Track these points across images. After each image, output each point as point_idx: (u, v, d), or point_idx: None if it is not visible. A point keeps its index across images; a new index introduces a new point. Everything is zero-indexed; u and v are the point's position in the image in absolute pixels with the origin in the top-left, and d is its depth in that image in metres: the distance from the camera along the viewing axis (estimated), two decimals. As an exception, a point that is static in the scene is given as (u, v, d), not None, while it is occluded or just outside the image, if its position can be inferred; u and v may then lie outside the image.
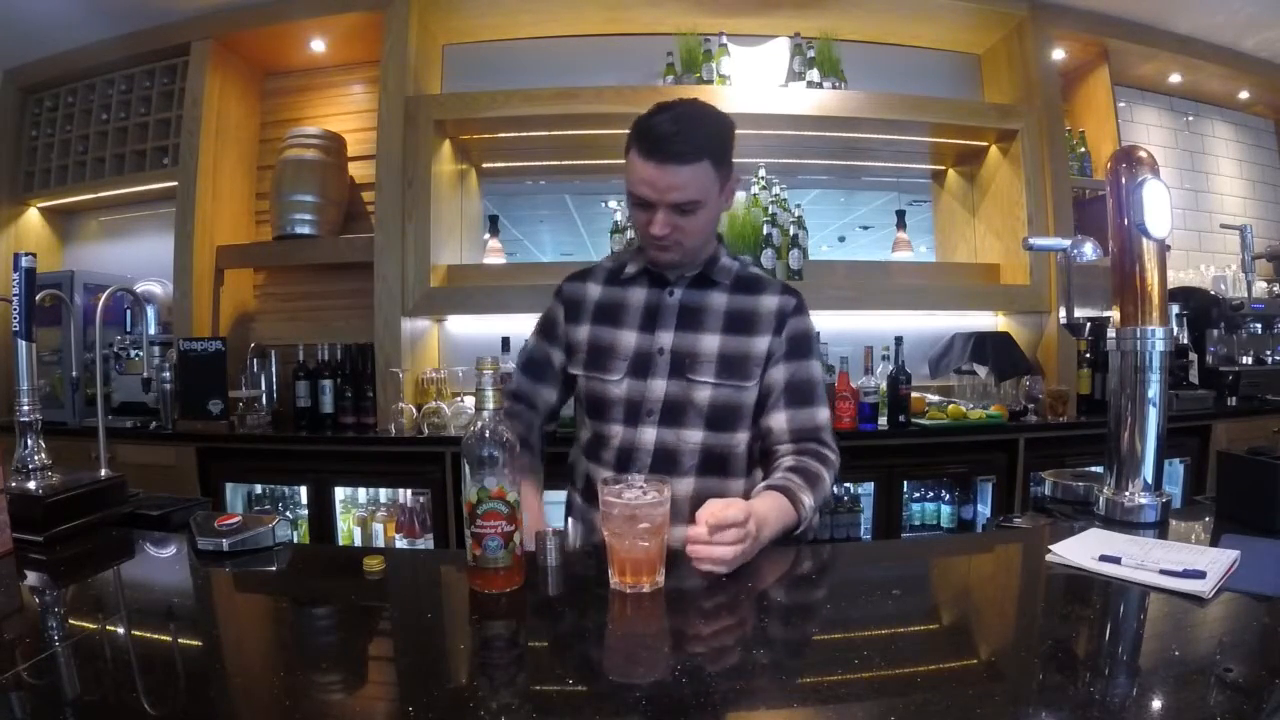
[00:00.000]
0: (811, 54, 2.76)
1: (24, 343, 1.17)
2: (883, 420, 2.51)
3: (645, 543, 0.88)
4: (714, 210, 1.18)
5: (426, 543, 2.43)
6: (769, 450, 1.22)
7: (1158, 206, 1.17)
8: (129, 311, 2.80)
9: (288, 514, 2.61)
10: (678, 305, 1.23)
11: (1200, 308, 3.04)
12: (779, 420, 1.20)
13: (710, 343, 1.21)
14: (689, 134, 1.08)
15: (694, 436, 1.20)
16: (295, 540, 1.22)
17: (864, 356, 2.56)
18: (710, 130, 1.12)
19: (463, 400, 2.61)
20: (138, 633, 0.84)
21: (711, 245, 1.26)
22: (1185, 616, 0.79)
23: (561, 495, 1.39)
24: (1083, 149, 3.05)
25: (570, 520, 1.34)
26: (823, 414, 1.22)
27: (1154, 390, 1.16)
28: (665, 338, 1.21)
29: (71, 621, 0.86)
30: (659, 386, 1.19)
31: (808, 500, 1.08)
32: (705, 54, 2.78)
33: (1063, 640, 0.78)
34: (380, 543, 2.52)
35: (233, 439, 2.51)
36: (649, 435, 1.19)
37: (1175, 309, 2.93)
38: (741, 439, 1.22)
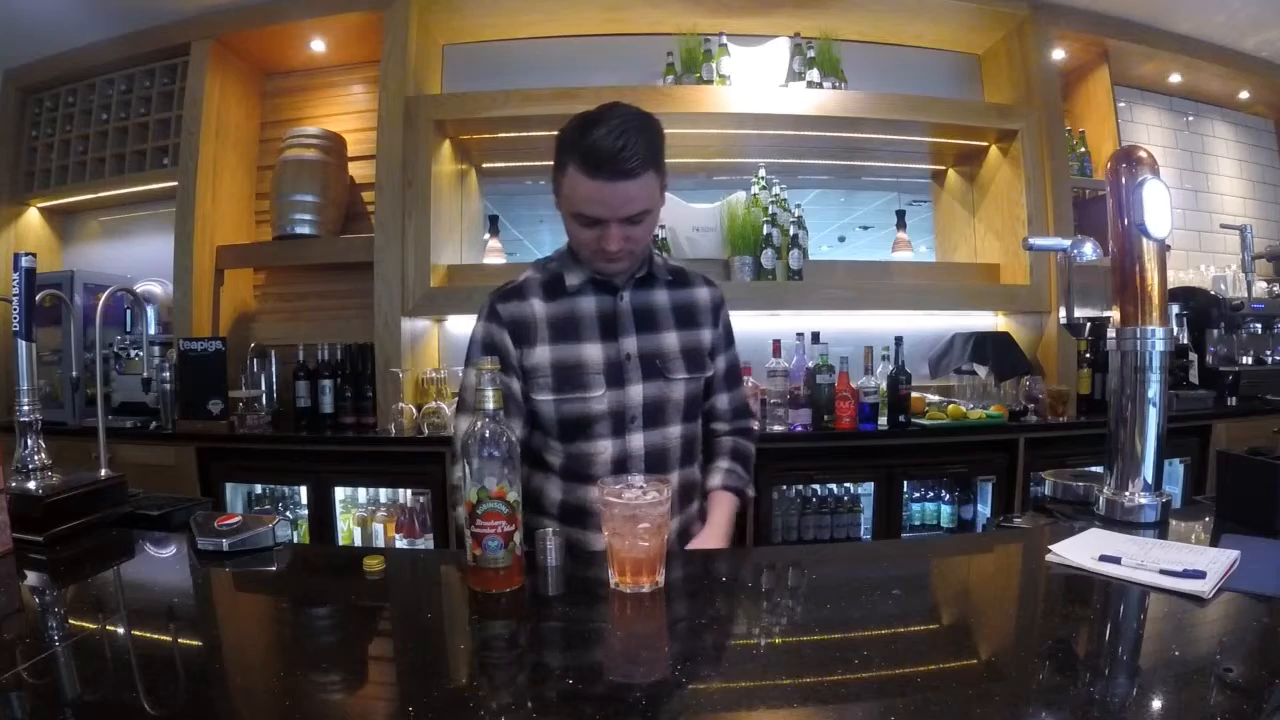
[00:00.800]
0: (811, 54, 2.76)
1: (24, 343, 1.17)
2: (883, 420, 2.51)
3: (645, 542, 0.88)
4: (658, 213, 1.19)
5: (426, 543, 2.43)
6: (710, 428, 1.37)
7: (1158, 206, 1.17)
8: (129, 311, 2.80)
9: (288, 514, 2.61)
10: (631, 309, 1.24)
11: (1200, 308, 3.04)
12: (722, 401, 1.37)
13: (671, 340, 1.25)
14: (634, 147, 1.07)
15: (675, 432, 1.24)
16: (295, 540, 1.22)
17: (864, 356, 2.55)
18: (650, 138, 1.11)
19: (463, 400, 2.61)
20: (138, 633, 0.84)
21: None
22: (1185, 616, 0.79)
23: None
24: (1083, 149, 3.05)
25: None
26: (746, 387, 1.45)
27: (1154, 390, 1.16)
28: (630, 343, 1.21)
29: (71, 621, 0.86)
30: (636, 392, 1.20)
31: (750, 491, 1.35)
32: (705, 54, 2.78)
33: (1063, 640, 0.78)
34: (380, 543, 2.52)
35: (233, 439, 2.51)
36: (638, 441, 1.20)
37: (1175, 309, 2.92)
38: (700, 423, 1.33)
